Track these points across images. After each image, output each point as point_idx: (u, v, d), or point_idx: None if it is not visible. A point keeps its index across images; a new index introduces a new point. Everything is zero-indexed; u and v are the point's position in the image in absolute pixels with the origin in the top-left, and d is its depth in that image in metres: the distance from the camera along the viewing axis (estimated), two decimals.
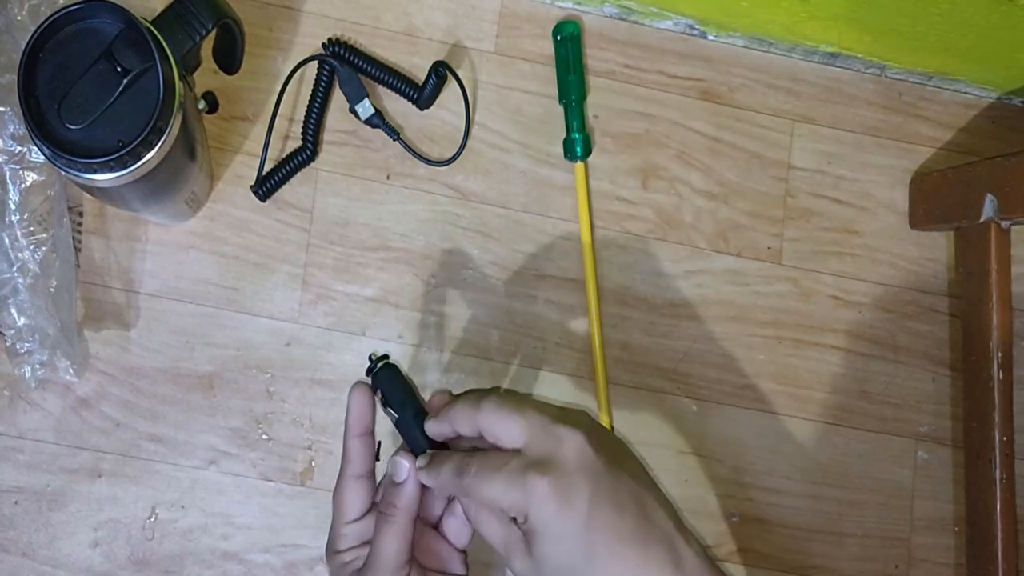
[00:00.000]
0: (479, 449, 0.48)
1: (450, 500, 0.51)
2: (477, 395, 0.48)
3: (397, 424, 0.51)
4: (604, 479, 0.46)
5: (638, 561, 0.46)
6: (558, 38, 0.69)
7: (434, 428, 0.49)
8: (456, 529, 0.51)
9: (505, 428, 0.46)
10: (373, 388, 0.51)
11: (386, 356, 0.51)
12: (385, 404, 0.51)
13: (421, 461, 0.49)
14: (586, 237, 0.69)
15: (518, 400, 0.47)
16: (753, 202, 0.72)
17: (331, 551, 0.49)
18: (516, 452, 0.46)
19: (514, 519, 0.46)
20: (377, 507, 0.49)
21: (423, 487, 0.49)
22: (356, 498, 0.49)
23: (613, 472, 0.46)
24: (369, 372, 0.51)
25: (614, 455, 0.47)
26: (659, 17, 0.71)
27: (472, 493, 0.46)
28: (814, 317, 0.72)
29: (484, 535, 0.48)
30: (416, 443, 0.50)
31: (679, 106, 0.72)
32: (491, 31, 0.71)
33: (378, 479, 0.51)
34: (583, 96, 0.70)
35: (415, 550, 0.49)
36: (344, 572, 0.48)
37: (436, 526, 0.51)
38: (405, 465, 0.48)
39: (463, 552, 0.51)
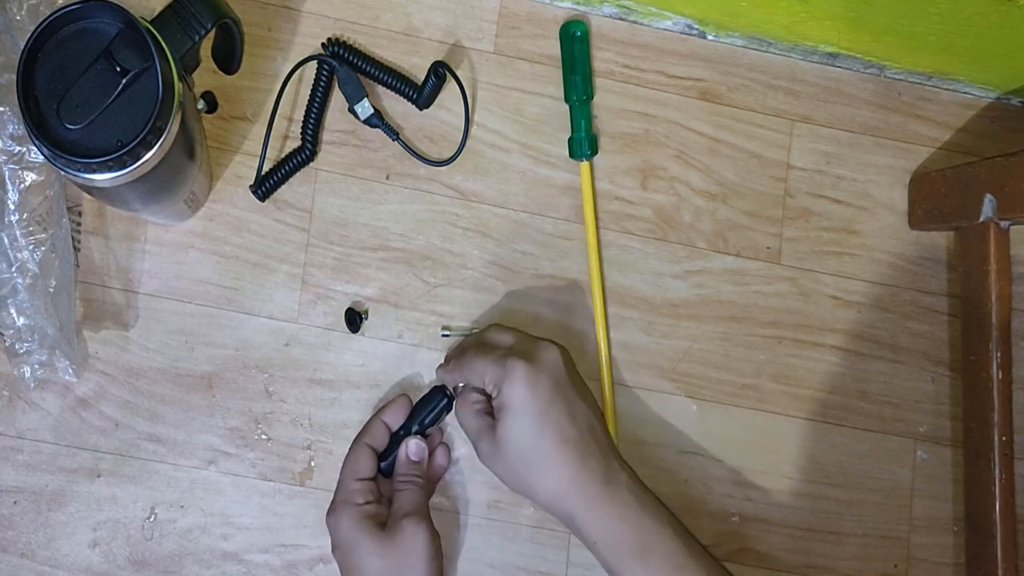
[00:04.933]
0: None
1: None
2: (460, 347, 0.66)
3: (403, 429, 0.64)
4: (564, 389, 0.60)
5: (576, 465, 0.58)
6: (577, 34, 0.69)
7: (446, 375, 0.65)
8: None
9: (502, 334, 0.63)
10: (419, 403, 0.64)
11: (450, 398, 0.64)
12: (410, 417, 0.64)
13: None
14: (591, 235, 0.69)
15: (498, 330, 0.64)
16: (752, 202, 0.72)
17: (348, 503, 0.60)
18: (508, 345, 0.62)
19: (488, 413, 0.60)
20: (397, 479, 0.62)
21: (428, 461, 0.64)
22: (367, 463, 0.61)
23: (575, 388, 0.61)
24: (439, 392, 0.64)
25: (577, 381, 0.62)
26: (658, 17, 0.71)
27: (467, 367, 0.61)
28: (814, 317, 0.72)
29: (464, 424, 0.62)
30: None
31: (678, 106, 0.72)
32: (491, 31, 0.71)
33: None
34: (591, 95, 0.70)
35: None
36: (368, 522, 0.59)
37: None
38: (422, 446, 0.63)
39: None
